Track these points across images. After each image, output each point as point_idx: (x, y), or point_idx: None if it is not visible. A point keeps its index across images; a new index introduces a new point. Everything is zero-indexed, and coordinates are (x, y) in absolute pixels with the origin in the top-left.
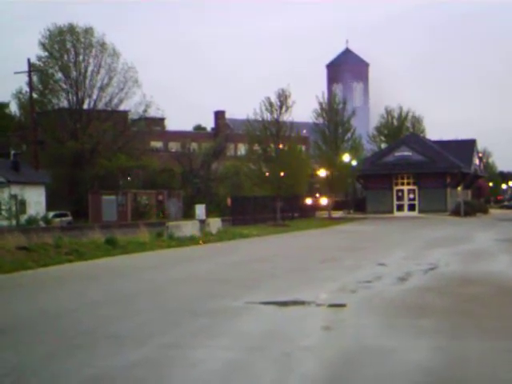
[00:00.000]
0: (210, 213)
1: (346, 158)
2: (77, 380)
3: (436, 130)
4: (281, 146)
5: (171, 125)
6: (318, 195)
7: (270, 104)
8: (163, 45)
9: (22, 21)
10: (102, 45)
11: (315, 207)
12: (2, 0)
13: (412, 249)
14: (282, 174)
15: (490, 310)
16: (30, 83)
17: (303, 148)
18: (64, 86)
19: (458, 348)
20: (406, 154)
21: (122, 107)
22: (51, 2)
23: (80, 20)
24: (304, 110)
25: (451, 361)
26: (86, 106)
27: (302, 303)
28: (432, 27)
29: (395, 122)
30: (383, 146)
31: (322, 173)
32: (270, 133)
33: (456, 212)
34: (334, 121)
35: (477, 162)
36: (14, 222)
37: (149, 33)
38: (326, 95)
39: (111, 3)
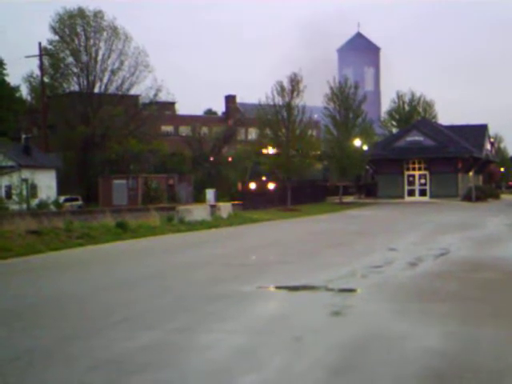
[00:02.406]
0: (220, 197)
1: (357, 142)
2: (88, 363)
3: (448, 115)
4: (292, 130)
5: (182, 109)
6: (264, 178)
7: (282, 88)
8: (175, 29)
9: (33, 5)
10: (114, 29)
11: (326, 192)
12: None
13: (423, 234)
14: (292, 158)
15: (501, 295)
16: (41, 67)
17: (314, 132)
18: (75, 70)
19: (470, 333)
20: (418, 138)
21: (132, 91)
22: None
23: (90, 4)
24: (315, 94)
25: (463, 346)
26: (96, 90)
27: (313, 288)
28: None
29: (406, 107)
30: (394, 130)
31: (271, 151)
32: (282, 117)
33: (467, 197)
34: (345, 105)
35: (488, 147)
36: (24, 206)
37: (160, 17)
38: (337, 80)
39: None
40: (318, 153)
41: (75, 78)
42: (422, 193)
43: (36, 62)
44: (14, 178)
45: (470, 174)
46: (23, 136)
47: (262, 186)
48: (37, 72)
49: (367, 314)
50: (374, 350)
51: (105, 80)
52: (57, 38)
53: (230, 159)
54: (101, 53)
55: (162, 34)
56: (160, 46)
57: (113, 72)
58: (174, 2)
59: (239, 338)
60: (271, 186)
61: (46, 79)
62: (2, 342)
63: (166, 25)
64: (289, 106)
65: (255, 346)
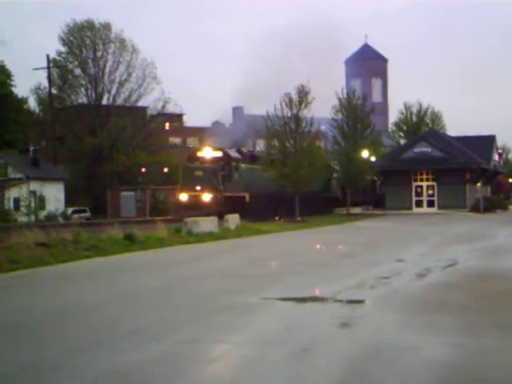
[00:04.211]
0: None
1: (364, 153)
2: (95, 375)
3: (456, 125)
4: (300, 142)
5: (190, 121)
6: (198, 188)
7: (290, 100)
8: (183, 41)
9: (41, 17)
10: (121, 41)
11: (333, 203)
12: None
13: (431, 245)
14: (300, 169)
15: (510, 306)
16: (49, 79)
17: (322, 144)
18: (83, 82)
19: (478, 345)
20: (425, 149)
21: (140, 103)
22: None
23: (99, 16)
24: (323, 105)
25: (471, 357)
26: (104, 102)
27: (321, 299)
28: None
29: (414, 118)
30: (402, 141)
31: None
32: (290, 128)
33: (475, 208)
34: (353, 116)
35: (496, 158)
36: (33, 218)
37: (168, 29)
38: (344, 91)
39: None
40: (327, 164)
41: (83, 90)
42: (430, 204)
43: (44, 73)
44: (22, 190)
45: (478, 185)
46: (31, 148)
47: (195, 197)
48: (45, 84)
49: (376, 326)
50: (382, 361)
51: (113, 92)
52: (65, 49)
53: None
54: (109, 65)
55: (171, 45)
56: (168, 57)
57: (121, 84)
58: (182, 12)
59: (247, 349)
60: (206, 197)
61: (54, 91)
62: (10, 353)
63: (175, 35)
64: (297, 118)
65: (263, 358)
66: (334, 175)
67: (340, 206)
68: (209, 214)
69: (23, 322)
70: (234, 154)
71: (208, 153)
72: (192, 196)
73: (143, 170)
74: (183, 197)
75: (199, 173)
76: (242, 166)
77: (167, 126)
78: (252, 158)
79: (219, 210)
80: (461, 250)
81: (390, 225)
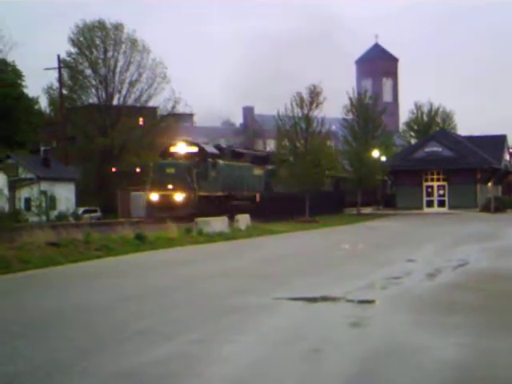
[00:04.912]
0: None
1: (375, 153)
2: (106, 375)
3: (467, 125)
4: (310, 142)
5: (200, 121)
6: (170, 187)
7: (301, 100)
8: (194, 40)
9: (51, 17)
10: (133, 41)
11: (344, 203)
12: None
13: (441, 245)
14: (310, 169)
15: None
16: (60, 80)
17: (332, 143)
18: (93, 82)
19: (489, 345)
20: (436, 149)
21: (150, 103)
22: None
23: (110, 16)
24: (333, 105)
25: (482, 358)
26: (115, 102)
27: (332, 299)
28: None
29: (425, 118)
30: (413, 141)
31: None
32: (300, 128)
33: (486, 208)
34: (364, 116)
35: (507, 157)
36: (44, 218)
37: (179, 28)
38: (355, 91)
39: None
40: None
41: (94, 91)
42: (441, 204)
43: (55, 74)
44: (33, 190)
45: (489, 184)
46: (42, 148)
47: (167, 197)
48: (56, 84)
49: (387, 326)
50: (393, 361)
51: (123, 92)
52: (76, 50)
53: None
54: (119, 65)
55: (181, 44)
56: (179, 56)
57: (131, 84)
58: (194, 11)
59: (258, 349)
60: (178, 196)
61: (64, 91)
62: (21, 353)
63: (185, 34)
64: (307, 118)
65: (274, 358)
66: (343, 175)
67: (350, 205)
68: (181, 216)
69: (34, 322)
70: (210, 149)
71: (182, 148)
72: (163, 196)
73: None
74: (153, 196)
75: (171, 170)
76: (221, 162)
77: (177, 125)
78: (234, 154)
79: (193, 212)
80: (471, 250)
81: (400, 225)
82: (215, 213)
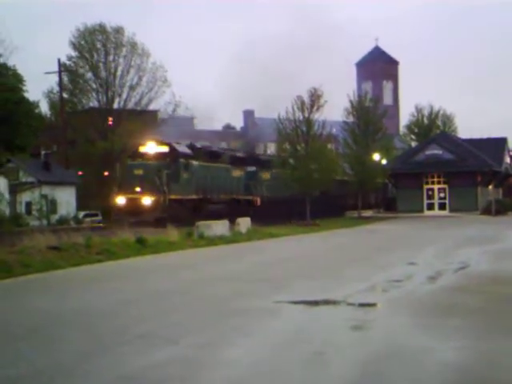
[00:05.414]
0: None
1: (376, 156)
2: (108, 378)
3: (468, 127)
4: (311, 145)
5: (200, 124)
6: (138, 189)
7: (302, 103)
8: (193, 43)
9: (51, 21)
10: (133, 45)
11: (345, 207)
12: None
13: (442, 248)
14: (311, 172)
15: None
16: (60, 84)
17: (332, 146)
18: (94, 86)
19: (490, 348)
20: (437, 152)
21: (151, 107)
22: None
23: (110, 19)
24: (333, 108)
25: (483, 360)
26: (115, 106)
27: (333, 302)
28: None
29: (425, 121)
30: (413, 144)
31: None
32: (301, 131)
33: (487, 211)
34: (365, 119)
35: (508, 160)
36: (44, 222)
37: (178, 31)
38: (355, 94)
39: (142, 3)
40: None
41: (94, 94)
42: (442, 207)
43: (55, 78)
44: (34, 194)
45: (490, 187)
46: (43, 152)
47: (134, 200)
48: (56, 88)
49: (388, 329)
50: (394, 363)
51: (124, 96)
52: (76, 53)
53: None
54: (120, 68)
55: (181, 47)
56: (178, 60)
57: (131, 88)
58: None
59: (259, 352)
60: (146, 200)
61: (65, 95)
62: (24, 356)
63: (186, 37)
64: (308, 121)
65: (275, 361)
66: (344, 178)
67: (351, 209)
68: (149, 221)
69: (36, 326)
70: (182, 148)
71: (151, 148)
72: (130, 199)
73: None
74: (120, 200)
75: (139, 171)
76: (194, 163)
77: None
78: (210, 154)
79: (162, 216)
80: (472, 253)
81: (401, 228)
82: (188, 218)
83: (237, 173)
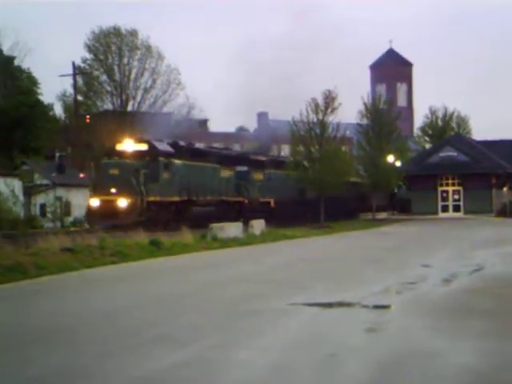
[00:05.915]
0: None
1: (390, 159)
2: (124, 380)
3: (483, 128)
4: (325, 147)
5: (214, 126)
6: (113, 191)
7: (316, 105)
8: (207, 45)
9: (65, 23)
10: (147, 48)
11: (359, 209)
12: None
13: (457, 250)
14: (325, 174)
15: None
16: (75, 86)
17: (347, 149)
18: (108, 89)
19: (507, 351)
20: (451, 154)
21: (165, 109)
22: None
23: (125, 22)
24: (348, 110)
25: (499, 363)
26: (130, 108)
27: (347, 304)
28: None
29: (440, 122)
30: (427, 146)
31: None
32: (315, 134)
33: (502, 213)
34: (379, 122)
35: None
36: (58, 224)
37: (192, 33)
38: (370, 96)
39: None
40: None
41: (109, 97)
42: (456, 209)
43: (70, 80)
44: (48, 196)
45: (505, 189)
46: (57, 154)
47: (109, 202)
48: (71, 90)
49: (403, 331)
50: (410, 366)
51: (138, 98)
52: (91, 56)
53: None
54: (134, 71)
55: (196, 50)
56: (192, 63)
57: (146, 90)
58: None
59: (273, 355)
60: (122, 202)
61: (79, 97)
62: (42, 357)
63: (198, 40)
64: (322, 123)
65: (290, 364)
66: (358, 180)
67: (365, 211)
68: (125, 224)
69: (53, 327)
70: (163, 146)
71: (129, 146)
72: (105, 201)
73: None
74: (93, 202)
75: (114, 171)
76: (177, 162)
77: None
78: (195, 153)
79: (140, 220)
80: (487, 255)
81: (415, 230)
82: (170, 221)
83: (226, 173)
